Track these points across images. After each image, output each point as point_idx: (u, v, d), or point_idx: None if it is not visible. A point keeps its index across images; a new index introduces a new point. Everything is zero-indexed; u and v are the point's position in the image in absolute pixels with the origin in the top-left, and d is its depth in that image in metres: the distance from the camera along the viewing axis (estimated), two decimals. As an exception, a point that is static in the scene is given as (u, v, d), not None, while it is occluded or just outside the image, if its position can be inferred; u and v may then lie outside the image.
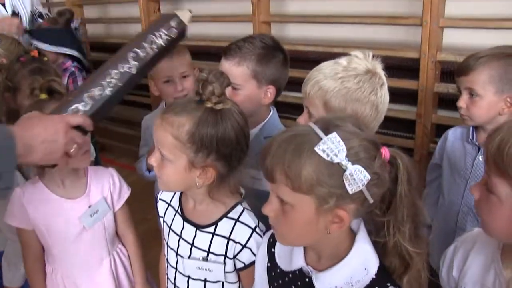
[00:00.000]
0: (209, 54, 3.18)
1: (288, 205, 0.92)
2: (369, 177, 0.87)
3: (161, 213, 1.38)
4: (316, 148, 0.87)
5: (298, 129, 0.95)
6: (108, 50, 4.03)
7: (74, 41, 3.01)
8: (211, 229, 1.25)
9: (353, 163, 0.87)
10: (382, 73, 1.31)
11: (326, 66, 1.32)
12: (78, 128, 1.21)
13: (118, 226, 1.63)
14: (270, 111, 1.62)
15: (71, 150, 1.20)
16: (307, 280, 1.00)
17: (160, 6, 3.57)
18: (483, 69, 1.49)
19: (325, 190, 0.88)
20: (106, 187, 1.56)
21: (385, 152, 0.93)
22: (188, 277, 1.29)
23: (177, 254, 1.31)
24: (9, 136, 1.09)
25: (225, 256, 1.24)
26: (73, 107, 1.25)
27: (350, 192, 0.87)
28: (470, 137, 1.60)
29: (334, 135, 0.88)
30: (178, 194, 1.34)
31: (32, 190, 1.49)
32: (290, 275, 1.05)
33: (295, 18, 2.97)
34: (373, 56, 1.32)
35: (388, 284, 0.94)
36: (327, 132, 0.89)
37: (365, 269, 0.96)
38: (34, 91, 1.51)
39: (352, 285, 0.95)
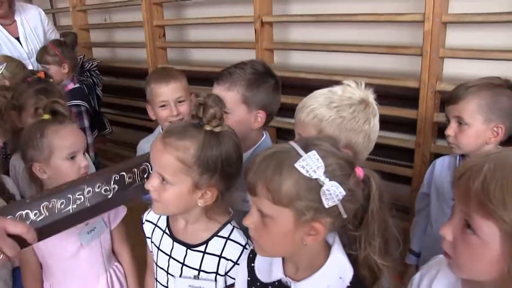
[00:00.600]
0: (211, 80, 3.28)
1: (268, 217, 1.02)
2: (344, 193, 0.98)
3: (148, 234, 1.46)
4: (296, 165, 0.97)
5: (279, 146, 1.06)
6: (114, 74, 4.19)
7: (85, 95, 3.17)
8: (202, 248, 1.33)
9: (330, 179, 0.97)
10: (374, 103, 1.41)
11: (320, 94, 1.41)
12: (17, 237, 1.08)
13: (114, 244, 1.74)
14: (263, 136, 1.72)
15: None
16: None
17: (166, 32, 3.72)
18: (472, 98, 1.58)
19: (303, 204, 0.97)
20: (104, 206, 1.66)
21: (359, 171, 1.04)
22: None
23: (167, 273, 1.39)
24: None
25: (217, 273, 1.32)
26: (23, 212, 1.17)
27: (326, 206, 0.98)
28: (457, 166, 1.68)
29: (313, 153, 0.98)
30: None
31: (32, 207, 1.60)
32: (270, 287, 1.14)
33: (297, 46, 3.09)
34: (365, 86, 1.42)
35: None
36: (306, 150, 1.00)
37: (341, 278, 1.06)
38: (38, 110, 1.61)
39: None
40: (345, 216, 1.01)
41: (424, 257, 1.80)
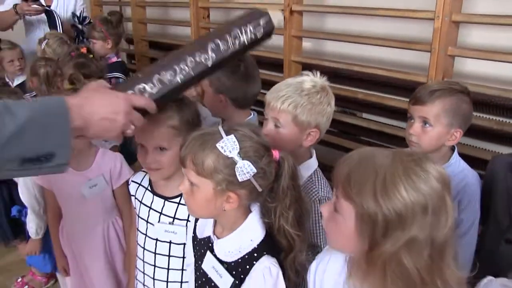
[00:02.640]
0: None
1: (195, 186, 1.29)
2: (255, 171, 1.23)
3: (132, 192, 1.75)
4: (217, 144, 1.24)
5: (209, 129, 1.32)
6: (163, 49, 4.52)
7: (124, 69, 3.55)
8: (177, 199, 1.62)
9: (243, 159, 1.23)
10: (329, 89, 1.66)
11: (289, 85, 1.64)
12: (140, 109, 1.23)
13: (117, 201, 2.08)
14: (251, 115, 2.03)
15: (128, 131, 1.24)
16: (210, 245, 1.39)
17: (210, 13, 4.00)
18: (439, 103, 1.71)
19: (220, 177, 1.24)
20: (107, 168, 2.01)
21: (276, 154, 1.30)
22: (156, 239, 1.66)
23: (147, 222, 1.68)
24: (61, 112, 1.08)
25: (187, 220, 1.60)
26: (140, 86, 1.28)
27: (240, 180, 1.23)
28: None
29: (231, 136, 1.24)
30: (148, 175, 1.71)
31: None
32: (202, 242, 1.43)
33: (321, 35, 3.28)
34: (320, 74, 1.66)
35: (265, 253, 1.30)
36: (228, 133, 1.25)
37: (251, 240, 1.31)
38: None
39: (240, 251, 1.31)
40: (260, 190, 1.27)
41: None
